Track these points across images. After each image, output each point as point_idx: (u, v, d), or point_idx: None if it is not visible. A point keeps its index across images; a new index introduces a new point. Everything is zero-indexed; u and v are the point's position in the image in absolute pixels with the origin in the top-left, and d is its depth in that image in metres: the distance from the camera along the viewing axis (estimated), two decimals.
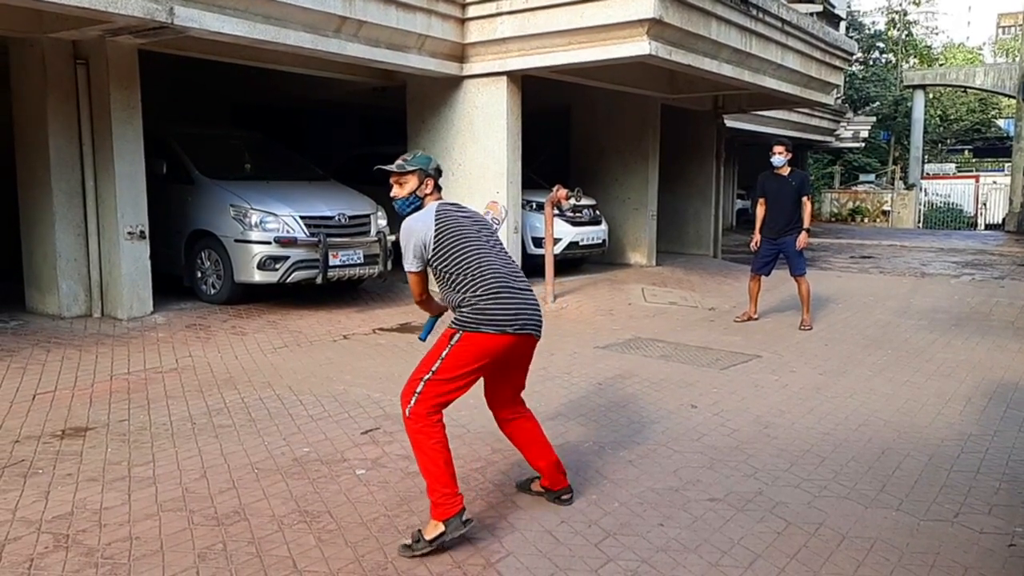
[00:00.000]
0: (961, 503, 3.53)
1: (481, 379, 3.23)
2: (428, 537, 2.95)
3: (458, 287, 3.07)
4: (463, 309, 3.05)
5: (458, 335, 3.03)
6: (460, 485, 3.56)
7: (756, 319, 8.06)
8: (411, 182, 3.23)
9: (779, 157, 7.53)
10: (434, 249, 3.10)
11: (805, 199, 7.55)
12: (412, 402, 3.01)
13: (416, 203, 3.23)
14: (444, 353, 3.02)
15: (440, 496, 2.96)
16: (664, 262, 12.19)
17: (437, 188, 3.27)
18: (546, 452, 3.39)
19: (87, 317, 7.02)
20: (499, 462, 3.89)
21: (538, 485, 3.47)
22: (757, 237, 7.82)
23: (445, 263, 3.09)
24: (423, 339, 3.48)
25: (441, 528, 2.95)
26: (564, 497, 3.43)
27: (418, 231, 3.13)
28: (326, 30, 7.01)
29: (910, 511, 3.43)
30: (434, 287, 3.27)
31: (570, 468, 3.59)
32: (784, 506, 3.46)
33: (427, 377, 3.02)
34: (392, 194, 3.27)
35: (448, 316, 3.25)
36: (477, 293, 3.03)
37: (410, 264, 3.18)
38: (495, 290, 3.05)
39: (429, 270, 3.19)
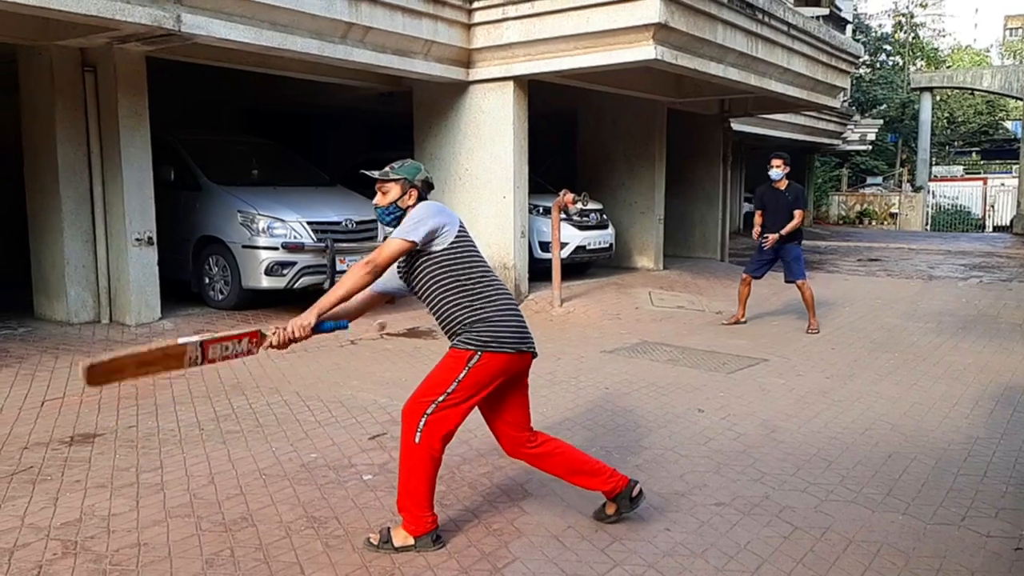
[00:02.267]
0: (968, 507, 3.51)
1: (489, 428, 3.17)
2: (396, 544, 2.98)
3: (469, 298, 2.93)
4: (477, 326, 2.91)
5: (477, 356, 2.90)
6: (468, 490, 3.61)
7: (744, 322, 8.09)
8: (393, 191, 3.06)
9: (777, 171, 7.61)
10: (449, 247, 2.94)
11: (797, 212, 7.62)
12: (421, 426, 2.89)
13: (397, 213, 3.07)
14: (461, 375, 2.89)
15: (415, 514, 2.98)
16: (671, 266, 12.18)
17: (421, 196, 3.09)
18: (589, 458, 3.24)
19: (95, 323, 7.07)
20: (506, 467, 3.89)
21: (611, 506, 3.24)
22: (758, 229, 7.77)
23: (457, 267, 2.94)
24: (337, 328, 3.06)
25: (411, 541, 2.98)
26: (635, 495, 3.20)
27: (443, 217, 2.96)
28: (333, 36, 7.05)
29: (917, 515, 3.42)
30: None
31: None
32: (791, 510, 3.46)
33: (440, 400, 2.90)
34: (374, 201, 3.14)
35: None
36: (494, 308, 2.94)
37: (412, 234, 2.89)
38: (511, 309, 3.00)
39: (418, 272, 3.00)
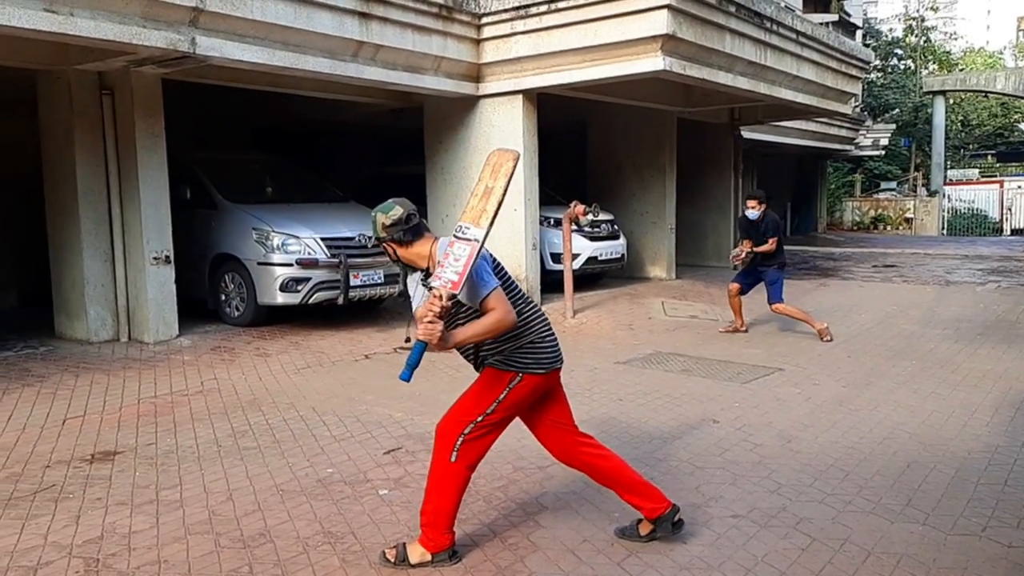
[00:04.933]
0: (989, 517, 3.48)
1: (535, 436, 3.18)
2: (413, 561, 2.99)
3: (516, 325, 2.87)
4: (519, 351, 2.91)
5: (518, 377, 2.90)
6: (482, 504, 3.62)
7: (745, 331, 8.13)
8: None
9: (753, 211, 7.87)
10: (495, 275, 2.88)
11: (771, 240, 7.82)
12: (459, 445, 2.91)
13: (402, 263, 2.97)
14: (502, 395, 2.90)
15: (436, 530, 2.99)
16: (684, 275, 12.16)
17: (403, 242, 2.87)
18: (638, 475, 3.21)
19: (115, 342, 7.15)
20: (521, 481, 3.90)
21: (646, 526, 3.18)
22: (746, 246, 7.96)
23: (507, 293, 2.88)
24: (407, 379, 2.81)
25: (428, 557, 2.99)
26: (676, 520, 3.16)
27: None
28: (344, 55, 7.14)
29: (937, 526, 3.39)
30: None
31: (590, 486, 3.59)
32: (808, 522, 3.44)
33: (479, 420, 2.91)
34: None
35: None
36: (536, 332, 2.94)
37: (490, 282, 2.79)
38: (548, 328, 3.01)
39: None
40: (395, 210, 2.88)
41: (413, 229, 2.89)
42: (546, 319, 3.07)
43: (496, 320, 2.77)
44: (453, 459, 2.92)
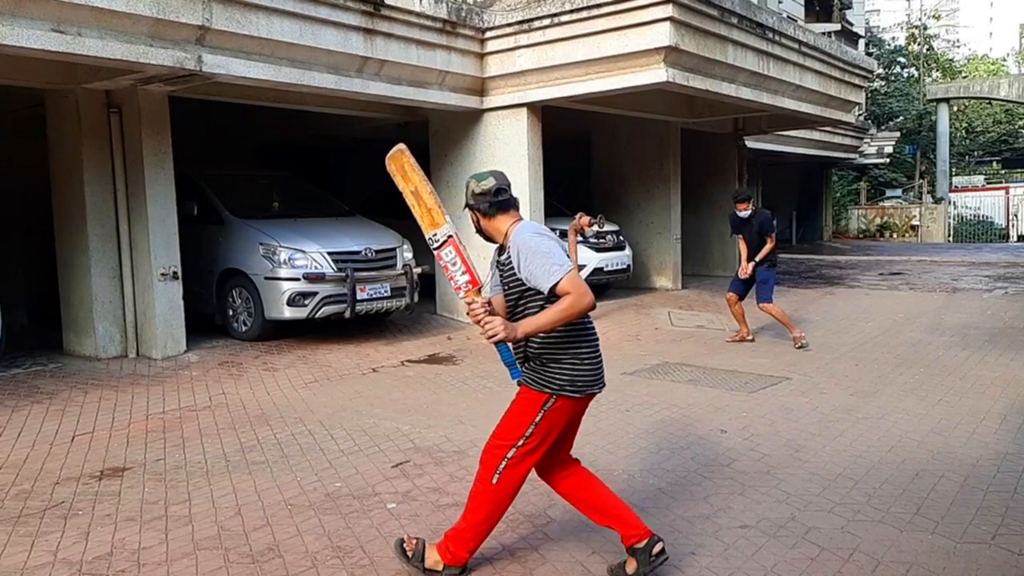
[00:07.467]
0: (998, 524, 3.47)
1: None
2: (427, 565, 2.99)
3: (558, 333, 2.81)
4: (554, 367, 2.84)
5: (552, 400, 2.84)
6: None
7: (752, 340, 8.14)
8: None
9: (744, 212, 8.04)
10: None
11: (768, 239, 7.97)
12: (502, 469, 2.87)
13: (488, 238, 2.95)
14: (538, 419, 2.84)
15: (459, 545, 2.97)
16: (690, 285, 12.16)
17: (487, 213, 2.89)
18: (614, 499, 3.07)
19: (123, 358, 7.19)
20: (530, 493, 3.89)
21: (631, 563, 2.96)
22: (747, 265, 8.08)
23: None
24: (518, 376, 2.89)
25: (440, 567, 2.98)
26: (656, 552, 2.92)
27: (552, 236, 2.83)
28: (349, 70, 7.20)
29: (946, 534, 3.38)
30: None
31: None
32: (817, 532, 3.43)
33: (519, 444, 2.86)
34: None
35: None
36: (573, 352, 2.85)
37: (563, 264, 2.71)
38: (591, 350, 2.90)
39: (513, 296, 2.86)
40: (487, 181, 2.91)
41: (499, 204, 2.89)
42: (596, 337, 2.95)
43: (568, 304, 2.68)
44: (495, 481, 2.90)
